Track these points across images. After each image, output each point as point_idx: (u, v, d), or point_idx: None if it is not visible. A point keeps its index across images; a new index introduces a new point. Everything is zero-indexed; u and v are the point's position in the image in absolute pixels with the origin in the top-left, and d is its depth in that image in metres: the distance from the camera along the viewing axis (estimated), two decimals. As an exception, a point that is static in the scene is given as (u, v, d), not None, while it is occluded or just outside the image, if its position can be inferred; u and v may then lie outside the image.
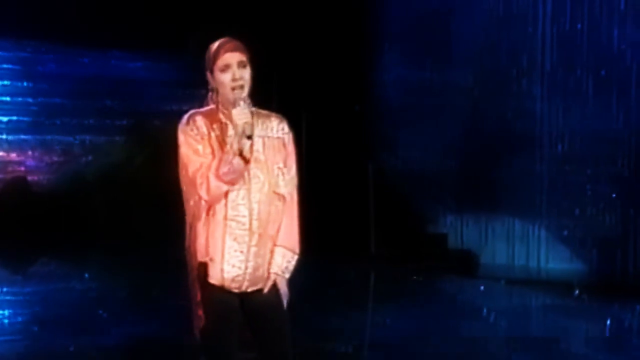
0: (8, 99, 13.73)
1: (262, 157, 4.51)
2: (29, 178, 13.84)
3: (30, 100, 13.86)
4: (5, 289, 10.82)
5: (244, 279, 4.51)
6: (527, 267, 11.29)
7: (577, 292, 10.09)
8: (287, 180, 4.58)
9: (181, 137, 4.49)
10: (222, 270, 4.48)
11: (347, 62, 12.67)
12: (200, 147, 4.45)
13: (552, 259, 11.20)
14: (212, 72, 4.50)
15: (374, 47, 12.72)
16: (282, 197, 4.57)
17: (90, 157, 14.16)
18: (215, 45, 4.51)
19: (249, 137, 4.40)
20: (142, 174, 13.32)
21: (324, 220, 10.98)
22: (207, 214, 4.46)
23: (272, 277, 4.57)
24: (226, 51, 4.45)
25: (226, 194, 4.44)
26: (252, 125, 4.45)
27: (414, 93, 12.33)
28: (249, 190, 4.47)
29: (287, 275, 4.61)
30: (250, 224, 4.48)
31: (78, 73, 13.99)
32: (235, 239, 4.47)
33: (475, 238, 11.76)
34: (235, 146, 4.36)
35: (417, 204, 12.31)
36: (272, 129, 4.58)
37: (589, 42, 10.87)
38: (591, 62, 10.85)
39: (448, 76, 11.99)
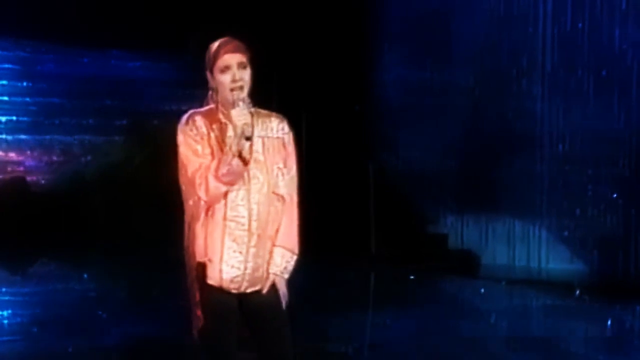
0: (7, 98, 13.71)
1: (261, 158, 4.50)
2: (28, 178, 13.82)
3: (29, 100, 13.85)
4: (4, 290, 10.80)
5: (242, 279, 4.49)
6: (527, 267, 11.28)
7: (578, 292, 10.07)
8: (286, 181, 4.56)
9: (180, 137, 4.48)
10: (220, 271, 4.46)
11: (347, 62, 12.66)
12: (199, 148, 4.43)
13: (553, 259, 11.19)
14: (211, 72, 4.49)
15: (374, 47, 12.70)
16: (282, 198, 4.56)
17: (89, 157, 14.15)
18: (216, 45, 4.49)
19: (248, 139, 4.38)
20: (142, 173, 13.31)
21: (324, 220, 10.97)
22: (206, 214, 4.45)
23: (271, 277, 4.55)
24: (226, 52, 4.44)
25: (225, 195, 4.42)
26: (252, 126, 4.44)
27: (414, 93, 12.32)
28: (248, 191, 4.46)
29: (286, 276, 4.60)
30: (250, 224, 4.46)
31: (77, 73, 13.98)
32: (234, 240, 4.45)
33: (475, 238, 11.74)
34: (235, 147, 4.35)
35: (417, 204, 12.30)
36: (272, 129, 4.56)
37: (590, 42, 10.86)
38: (592, 62, 10.84)
39: (448, 76, 11.98)
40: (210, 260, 4.46)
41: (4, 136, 13.75)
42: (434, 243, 12.06)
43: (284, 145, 4.58)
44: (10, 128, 13.76)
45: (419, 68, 12.27)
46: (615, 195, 10.79)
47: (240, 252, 4.46)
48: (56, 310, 9.35)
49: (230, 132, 4.40)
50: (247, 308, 4.56)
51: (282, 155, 4.56)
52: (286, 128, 4.61)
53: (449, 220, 12.08)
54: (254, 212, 4.46)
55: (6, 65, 13.70)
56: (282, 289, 4.59)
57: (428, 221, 12.29)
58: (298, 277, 4.71)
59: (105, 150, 14.18)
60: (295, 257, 4.61)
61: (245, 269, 4.48)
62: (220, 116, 4.48)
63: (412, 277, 11.08)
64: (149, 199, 12.51)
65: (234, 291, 4.50)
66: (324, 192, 11.72)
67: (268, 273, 4.54)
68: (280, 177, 4.54)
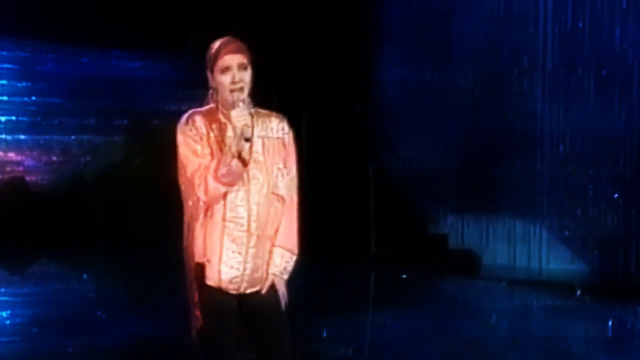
0: (6, 98, 13.70)
1: (261, 158, 4.48)
2: (28, 178, 13.81)
3: (29, 100, 13.83)
4: (3, 290, 10.79)
5: (242, 280, 4.47)
6: (528, 267, 11.27)
7: (578, 293, 10.06)
8: (286, 181, 4.55)
9: (180, 137, 4.46)
10: (219, 271, 4.44)
11: (347, 62, 12.66)
12: (199, 148, 4.42)
13: (554, 259, 11.17)
14: (212, 72, 4.47)
15: (374, 47, 12.70)
16: (281, 198, 4.54)
17: (89, 157, 14.14)
18: (217, 45, 4.47)
19: (248, 140, 4.36)
20: (142, 173, 13.30)
21: (324, 221, 10.96)
22: (205, 214, 4.43)
23: (271, 277, 4.54)
24: (227, 53, 4.42)
25: (225, 195, 4.41)
26: (252, 127, 4.42)
27: (414, 93, 12.31)
28: (248, 192, 4.44)
29: (286, 276, 4.58)
30: (249, 225, 4.44)
31: (77, 73, 13.97)
32: (233, 240, 4.44)
33: (476, 239, 11.74)
34: (234, 148, 4.33)
35: (417, 204, 12.29)
36: (272, 129, 4.55)
37: (591, 42, 10.85)
38: (593, 62, 10.83)
39: (448, 76, 11.97)
40: (209, 261, 4.45)
41: (3, 136, 13.74)
42: (434, 243, 12.06)
43: (284, 145, 4.56)
44: (9, 128, 13.75)
45: (419, 68, 12.27)
46: (616, 195, 10.78)
47: (240, 253, 4.45)
48: (56, 311, 9.34)
49: (229, 133, 4.38)
50: (246, 308, 4.54)
51: (282, 156, 4.54)
52: (286, 128, 4.59)
53: (449, 221, 12.07)
54: (254, 212, 4.45)
55: (6, 65, 13.69)
56: (282, 289, 4.58)
57: (428, 221, 12.28)
58: (298, 277, 4.70)
59: (105, 150, 14.17)
60: (294, 258, 4.59)
61: (245, 269, 4.46)
62: (220, 116, 4.47)
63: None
64: (149, 199, 12.50)
65: (233, 292, 4.48)
66: (324, 192, 11.71)
67: (267, 273, 4.53)
68: (280, 178, 4.52)
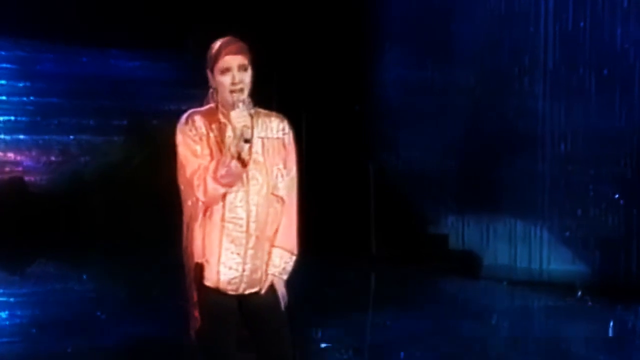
0: (5, 98, 13.68)
1: (261, 159, 4.47)
2: (27, 178, 13.79)
3: (27, 99, 13.82)
4: (3, 290, 10.78)
5: (240, 281, 4.46)
6: (529, 268, 11.24)
7: (579, 293, 10.05)
8: (286, 182, 4.54)
9: (179, 137, 4.45)
10: (218, 272, 4.43)
11: (347, 62, 12.64)
12: (198, 148, 4.41)
13: (554, 260, 11.15)
14: (212, 72, 4.46)
15: (374, 47, 12.68)
16: (281, 199, 4.52)
17: (88, 157, 14.12)
18: (217, 45, 4.45)
19: (247, 141, 4.34)
20: (141, 174, 13.29)
21: (324, 221, 10.95)
22: (204, 215, 4.43)
23: (270, 278, 4.53)
24: (227, 53, 4.40)
25: (224, 196, 4.40)
26: (252, 128, 4.41)
27: (414, 93, 12.29)
28: (247, 193, 4.43)
29: (285, 277, 4.58)
30: (248, 226, 4.43)
31: (76, 73, 13.95)
32: (232, 241, 4.42)
33: (476, 239, 11.71)
34: (233, 149, 4.31)
35: (417, 205, 12.27)
36: (272, 130, 4.53)
37: (592, 41, 10.82)
38: (594, 61, 10.80)
39: (449, 76, 11.95)
40: (207, 262, 4.44)
41: (2, 136, 13.72)
42: (434, 243, 12.03)
43: (284, 145, 4.55)
44: (8, 128, 13.73)
45: (419, 68, 12.25)
46: (617, 195, 10.76)
47: (238, 254, 4.44)
48: (55, 311, 9.33)
49: (229, 133, 4.36)
50: (246, 309, 4.53)
51: (282, 156, 4.53)
52: (286, 128, 4.58)
53: (449, 221, 12.05)
54: (253, 213, 4.43)
55: (5, 65, 13.68)
56: (281, 289, 4.57)
57: (428, 221, 12.26)
58: (298, 278, 4.68)
59: (104, 150, 14.16)
60: (294, 258, 4.59)
61: (243, 270, 4.45)
62: (220, 116, 4.45)
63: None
64: (148, 199, 12.48)
65: (231, 292, 4.46)
66: (324, 192, 11.70)
67: (266, 274, 4.51)
68: (280, 179, 4.51)
